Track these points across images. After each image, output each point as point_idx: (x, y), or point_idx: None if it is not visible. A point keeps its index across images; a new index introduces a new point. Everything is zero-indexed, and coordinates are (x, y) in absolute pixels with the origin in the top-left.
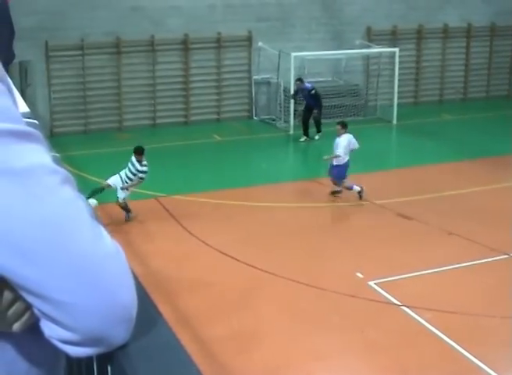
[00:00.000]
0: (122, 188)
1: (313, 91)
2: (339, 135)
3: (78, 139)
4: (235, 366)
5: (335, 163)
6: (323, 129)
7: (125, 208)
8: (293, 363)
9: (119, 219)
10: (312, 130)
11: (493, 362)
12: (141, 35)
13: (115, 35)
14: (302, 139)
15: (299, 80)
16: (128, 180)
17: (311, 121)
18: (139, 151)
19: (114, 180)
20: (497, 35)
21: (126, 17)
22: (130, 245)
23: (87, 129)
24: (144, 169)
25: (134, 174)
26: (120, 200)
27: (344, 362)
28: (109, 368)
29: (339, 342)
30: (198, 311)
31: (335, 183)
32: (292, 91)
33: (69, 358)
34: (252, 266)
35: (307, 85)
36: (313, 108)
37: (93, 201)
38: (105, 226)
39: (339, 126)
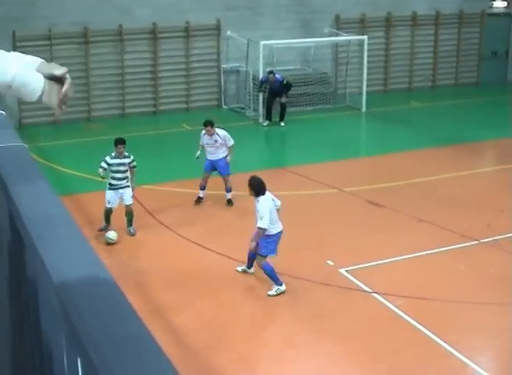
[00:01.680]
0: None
1: (284, 82)
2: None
3: (47, 130)
4: (208, 356)
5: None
6: (292, 117)
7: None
8: (265, 352)
9: (89, 211)
10: (276, 119)
11: (465, 347)
12: (109, 25)
13: (83, 25)
14: (265, 123)
15: (271, 72)
16: (125, 181)
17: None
18: (121, 141)
19: (111, 197)
20: (465, 22)
21: (93, 7)
22: (101, 235)
23: (55, 119)
24: (132, 157)
25: (125, 170)
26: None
27: (316, 350)
28: (79, 360)
29: (312, 330)
30: (171, 302)
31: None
32: (259, 83)
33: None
34: (225, 256)
35: (279, 77)
36: (279, 94)
37: (113, 234)
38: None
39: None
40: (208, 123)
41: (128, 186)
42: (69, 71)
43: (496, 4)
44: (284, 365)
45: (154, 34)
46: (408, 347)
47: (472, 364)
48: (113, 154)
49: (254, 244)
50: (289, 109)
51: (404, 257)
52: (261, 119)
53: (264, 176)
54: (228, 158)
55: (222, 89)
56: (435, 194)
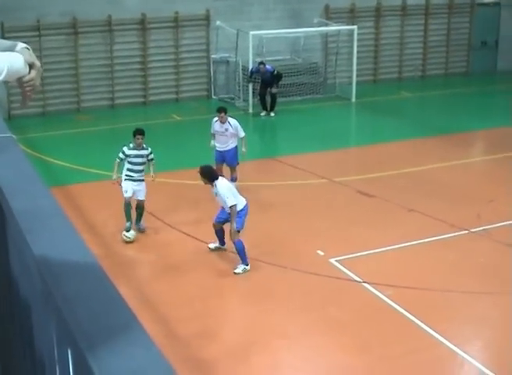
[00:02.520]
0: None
1: (275, 72)
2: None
3: (36, 121)
4: (198, 346)
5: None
6: (282, 107)
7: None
8: (255, 342)
9: (79, 202)
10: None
11: (454, 336)
12: (98, 15)
13: (71, 15)
14: (263, 114)
15: (261, 63)
16: (141, 174)
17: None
18: (140, 132)
19: (127, 187)
20: (455, 12)
21: None
22: (90, 226)
23: (44, 111)
24: (150, 150)
25: (143, 163)
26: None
27: (306, 340)
28: (69, 349)
29: (302, 320)
30: (160, 292)
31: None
32: (249, 73)
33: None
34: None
35: (269, 68)
36: (270, 85)
37: (131, 233)
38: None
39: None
40: (222, 110)
41: (143, 180)
42: (58, 62)
43: None
44: (274, 355)
45: (143, 25)
46: (398, 336)
47: (462, 353)
48: (131, 145)
49: (234, 224)
50: (279, 99)
51: (394, 247)
52: (250, 110)
53: (254, 166)
54: (243, 149)
55: (212, 79)
56: (425, 184)
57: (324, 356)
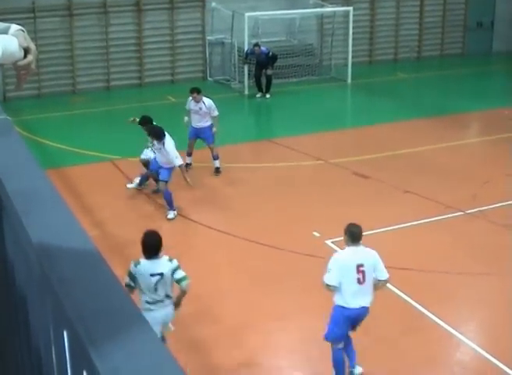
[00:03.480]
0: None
1: (270, 54)
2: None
3: (31, 103)
4: (194, 328)
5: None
6: (278, 89)
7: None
8: (252, 323)
9: (74, 184)
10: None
11: (450, 317)
12: None
13: None
14: (258, 95)
15: (256, 45)
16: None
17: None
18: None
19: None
20: None
21: None
22: (86, 209)
23: (40, 93)
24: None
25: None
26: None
27: (303, 322)
28: (65, 332)
29: (298, 302)
30: None
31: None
32: (244, 55)
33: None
34: (210, 228)
35: (264, 49)
36: (265, 66)
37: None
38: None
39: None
40: (195, 90)
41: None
42: (53, 44)
43: None
44: (270, 336)
45: (138, 6)
46: (394, 318)
47: (458, 334)
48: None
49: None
50: (274, 81)
51: (390, 228)
52: (246, 91)
53: (249, 148)
54: (214, 129)
55: (207, 61)
56: (421, 166)
57: (320, 338)
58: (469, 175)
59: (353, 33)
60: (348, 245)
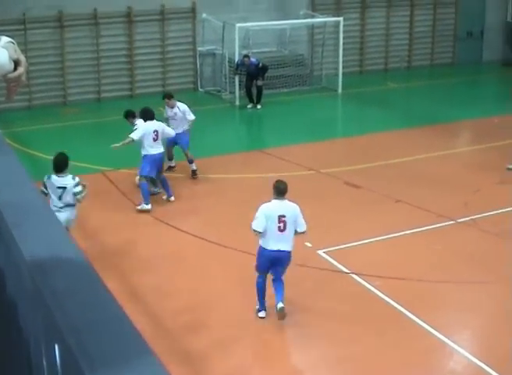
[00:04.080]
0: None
1: (260, 65)
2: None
3: (22, 115)
4: (186, 339)
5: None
6: (269, 99)
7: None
8: (245, 335)
9: None
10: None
11: (443, 326)
12: (84, 8)
13: (57, 9)
14: (249, 106)
15: (246, 56)
16: None
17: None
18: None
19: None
20: (440, 3)
21: None
22: (77, 220)
23: (30, 104)
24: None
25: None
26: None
27: (294, 331)
28: (56, 346)
29: (291, 312)
30: (148, 285)
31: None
32: (235, 66)
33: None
34: (202, 238)
35: (253, 60)
36: (255, 77)
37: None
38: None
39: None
40: (166, 96)
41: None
42: (44, 55)
43: None
44: (263, 346)
45: (129, 18)
46: (387, 326)
47: (451, 343)
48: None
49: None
50: (265, 92)
51: (382, 237)
52: (237, 102)
53: (241, 158)
54: (186, 128)
55: (198, 72)
56: (412, 175)
57: (312, 347)
58: (460, 184)
59: (343, 43)
60: (274, 198)
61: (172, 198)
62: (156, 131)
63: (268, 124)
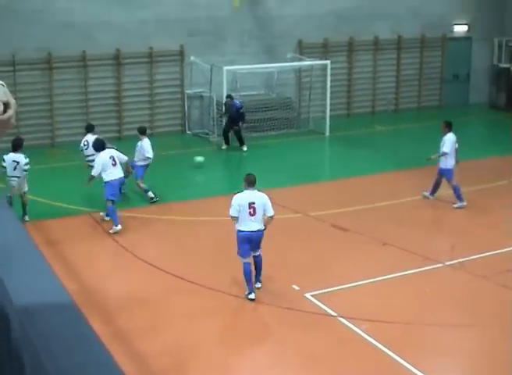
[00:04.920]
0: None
1: (241, 110)
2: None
3: None
4: None
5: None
6: (256, 142)
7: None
8: None
9: (51, 236)
10: (236, 144)
11: (431, 370)
12: (73, 51)
13: (46, 51)
14: (224, 147)
15: (229, 97)
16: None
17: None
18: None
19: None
20: (427, 46)
21: (57, 33)
22: (64, 262)
23: None
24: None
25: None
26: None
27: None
28: None
29: (277, 355)
30: (133, 327)
31: None
32: (223, 110)
33: None
34: (186, 280)
35: (237, 103)
36: (236, 121)
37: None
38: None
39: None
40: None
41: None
42: (33, 97)
43: (456, 28)
44: None
45: (117, 60)
46: (374, 370)
47: None
48: None
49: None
50: (252, 134)
51: (369, 280)
52: (223, 146)
53: (227, 200)
54: (139, 163)
55: (186, 114)
56: (400, 218)
57: None
58: (448, 226)
59: (330, 86)
60: (245, 189)
61: (118, 227)
62: (112, 157)
63: (255, 167)
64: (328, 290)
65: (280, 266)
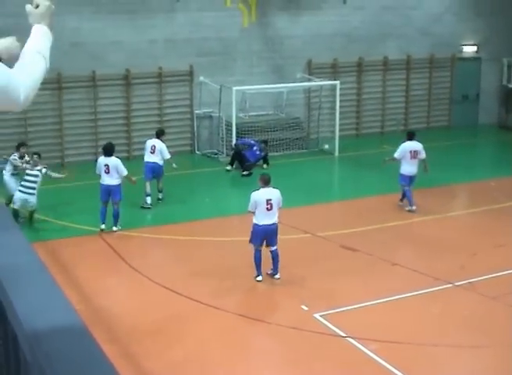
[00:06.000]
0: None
1: (262, 153)
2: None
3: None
4: None
5: None
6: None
7: None
8: None
9: (61, 257)
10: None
11: None
12: (82, 71)
13: (56, 71)
14: (228, 168)
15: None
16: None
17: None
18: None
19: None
20: (436, 67)
21: (66, 53)
22: (73, 282)
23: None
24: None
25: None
26: None
27: None
28: None
29: (286, 374)
30: (144, 348)
31: None
32: (233, 142)
33: None
34: (198, 301)
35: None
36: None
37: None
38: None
39: None
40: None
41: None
42: (42, 117)
43: (465, 48)
44: None
45: (127, 80)
46: None
47: None
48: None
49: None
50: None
51: (379, 301)
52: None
53: (236, 221)
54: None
55: (195, 134)
56: (409, 238)
57: None
58: (457, 247)
59: (340, 106)
60: (261, 187)
61: (114, 228)
62: (107, 165)
63: None
64: (337, 310)
65: (289, 287)
